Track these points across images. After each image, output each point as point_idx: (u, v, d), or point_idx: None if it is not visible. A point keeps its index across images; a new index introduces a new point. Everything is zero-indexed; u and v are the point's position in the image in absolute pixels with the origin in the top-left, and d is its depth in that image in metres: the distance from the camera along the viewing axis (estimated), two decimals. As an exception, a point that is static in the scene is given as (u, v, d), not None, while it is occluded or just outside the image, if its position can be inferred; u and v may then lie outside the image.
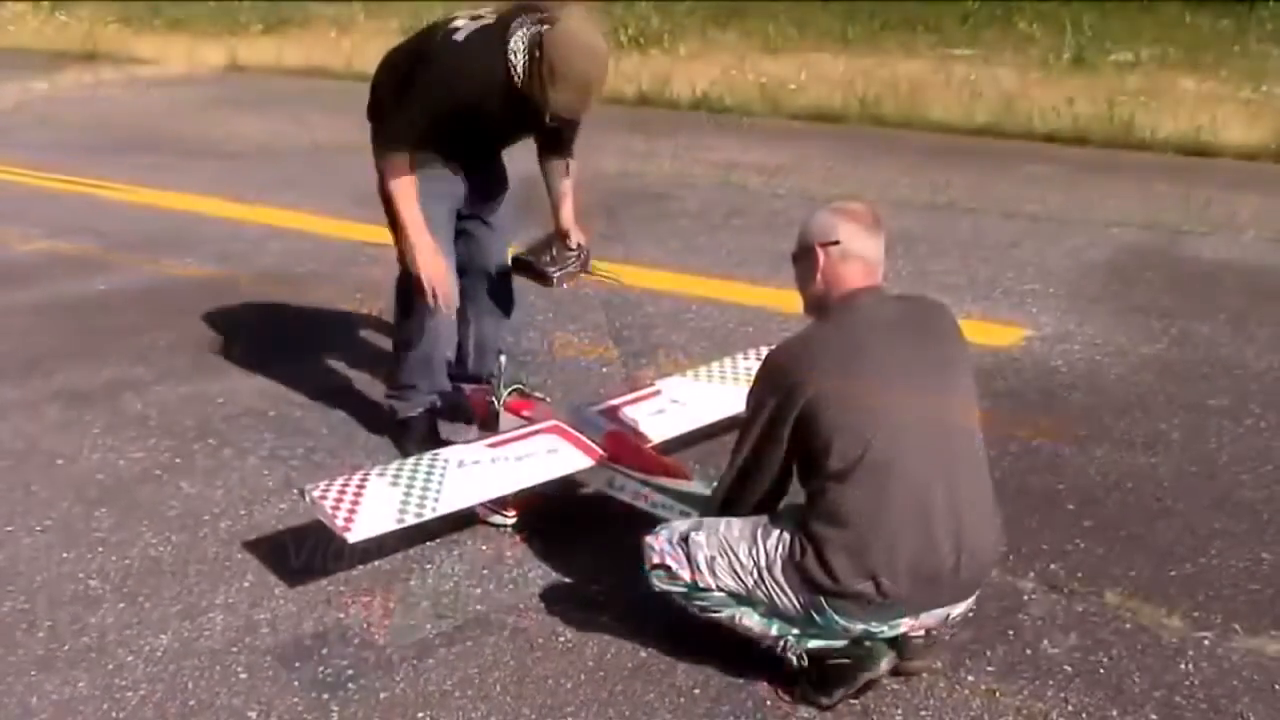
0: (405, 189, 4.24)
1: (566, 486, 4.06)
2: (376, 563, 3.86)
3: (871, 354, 3.07)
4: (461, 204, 4.55)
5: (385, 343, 5.67)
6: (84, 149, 10.85)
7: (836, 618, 3.01)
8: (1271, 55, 12.63)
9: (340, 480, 3.77)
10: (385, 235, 4.51)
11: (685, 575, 3.15)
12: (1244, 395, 5.05)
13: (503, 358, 4.53)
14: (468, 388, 4.85)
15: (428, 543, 3.97)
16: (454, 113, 4.17)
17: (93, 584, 3.80)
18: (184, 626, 3.55)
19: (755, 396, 3.15)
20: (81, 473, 4.56)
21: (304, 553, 3.86)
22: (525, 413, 4.30)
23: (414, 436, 4.65)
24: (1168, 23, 14.33)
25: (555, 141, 4.53)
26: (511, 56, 4.07)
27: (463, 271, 4.65)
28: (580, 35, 4.01)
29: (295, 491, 4.15)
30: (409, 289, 4.47)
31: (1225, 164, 9.51)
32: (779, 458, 3.09)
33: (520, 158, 4.66)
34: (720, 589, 3.12)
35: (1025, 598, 3.62)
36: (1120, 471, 4.41)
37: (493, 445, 4.03)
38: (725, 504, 3.25)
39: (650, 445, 4.12)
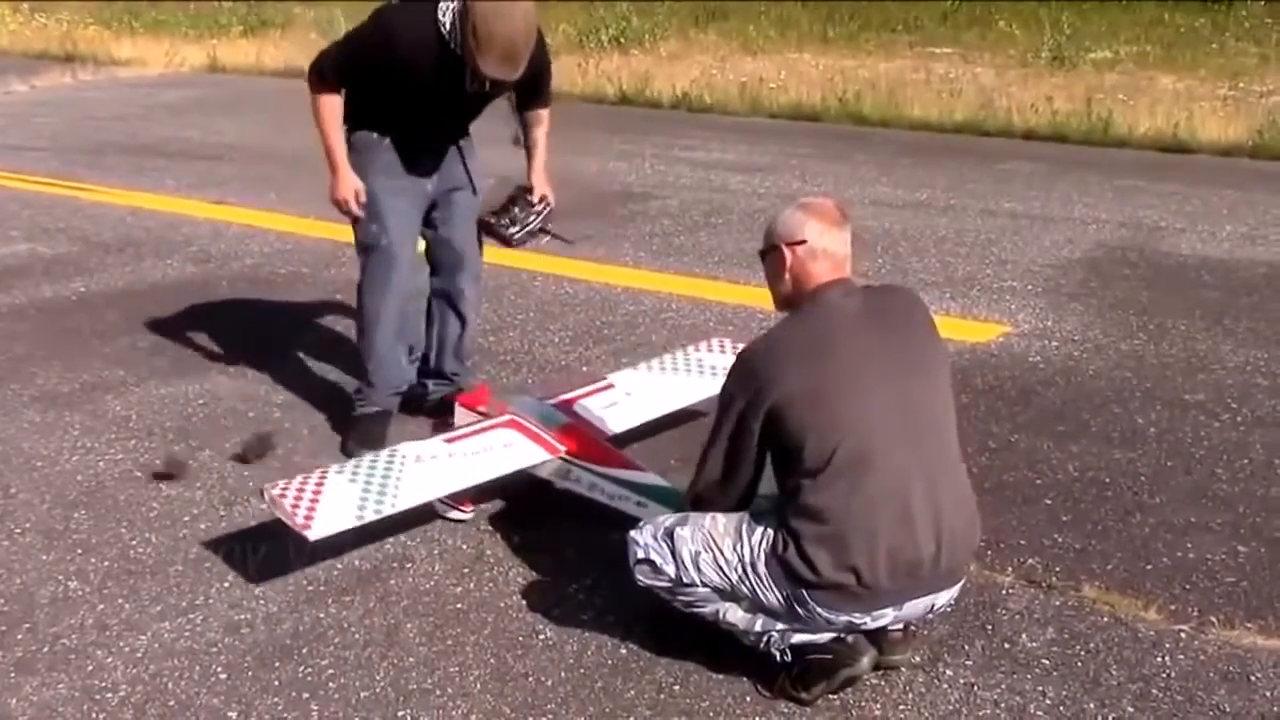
0: (324, 107, 4.39)
1: (543, 484, 4.08)
2: (357, 562, 3.87)
3: (840, 350, 3.08)
4: (428, 200, 4.65)
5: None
6: (63, 150, 10.83)
7: (819, 610, 3.02)
8: (1248, 53, 12.74)
9: (299, 478, 3.78)
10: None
11: (670, 570, 3.16)
12: (1220, 390, 5.08)
13: (468, 362, 4.59)
14: (431, 383, 4.96)
15: (408, 541, 3.98)
16: (391, 75, 4.26)
17: (72, 585, 3.79)
18: (164, 627, 3.55)
19: (725, 396, 3.17)
20: (61, 475, 4.55)
21: (283, 552, 3.86)
22: (480, 408, 4.32)
23: (355, 434, 4.73)
24: (1146, 21, 14.43)
25: (530, 91, 4.58)
26: (441, 17, 4.16)
27: (434, 271, 4.81)
28: None
29: (258, 492, 4.14)
30: (361, 280, 4.68)
31: (1202, 160, 9.58)
32: (750, 457, 3.11)
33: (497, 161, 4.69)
34: (705, 584, 3.13)
35: (1003, 592, 3.64)
36: (1098, 466, 4.44)
37: (449, 440, 4.05)
38: (697, 501, 3.26)
39: (605, 438, 4.16)
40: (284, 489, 3.71)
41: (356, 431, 4.74)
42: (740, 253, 7.06)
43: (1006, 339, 5.71)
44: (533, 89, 4.54)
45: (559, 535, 3.98)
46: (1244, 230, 7.38)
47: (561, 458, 4.00)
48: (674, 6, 17.08)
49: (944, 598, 3.16)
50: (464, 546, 3.97)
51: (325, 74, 4.38)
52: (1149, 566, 3.77)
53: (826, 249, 3.18)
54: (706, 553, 3.12)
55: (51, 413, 5.11)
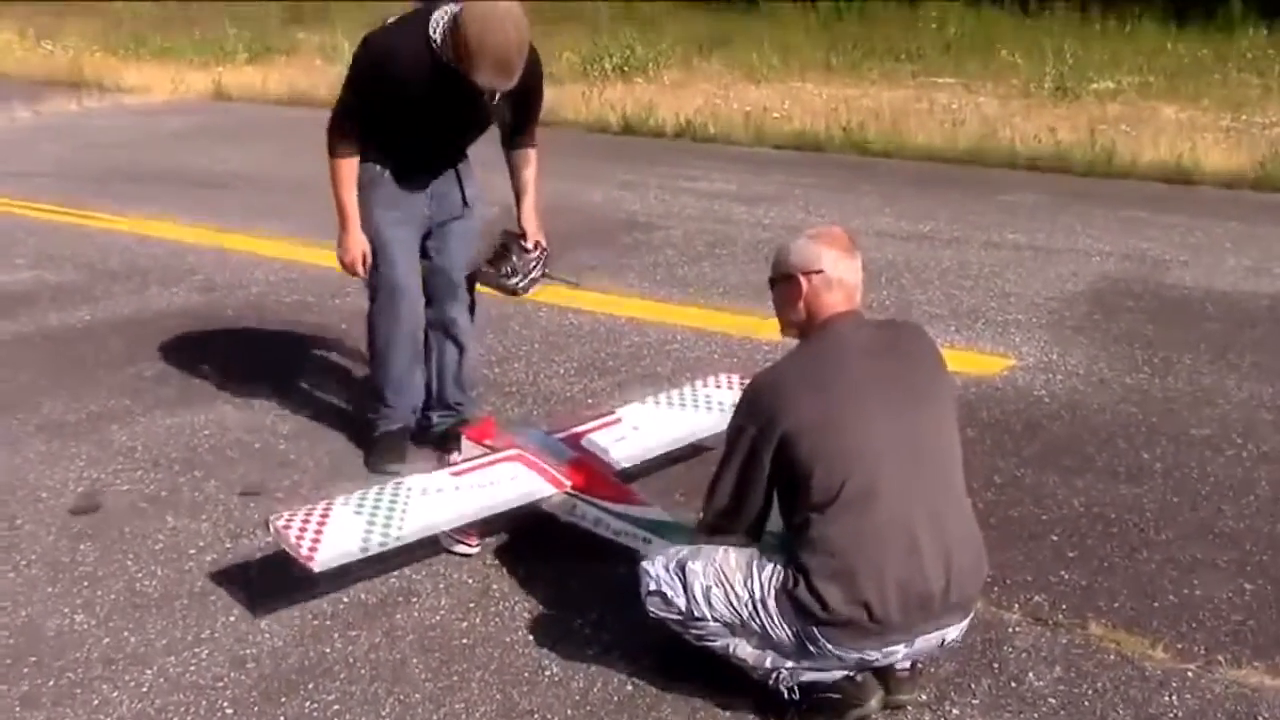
0: (341, 171, 4.48)
1: (550, 518, 4.08)
2: (362, 596, 3.86)
3: (849, 381, 3.10)
4: (425, 226, 4.69)
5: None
6: (69, 177, 10.85)
7: (830, 646, 3.02)
8: (1251, 84, 12.74)
9: (304, 510, 3.80)
10: (371, 265, 4.60)
11: (680, 603, 3.16)
12: (1226, 425, 5.07)
13: (473, 393, 4.69)
14: (436, 414, 4.98)
15: (413, 575, 3.98)
16: (387, 94, 4.32)
17: (78, 619, 3.79)
18: (170, 661, 3.54)
19: (735, 426, 3.18)
20: (67, 506, 4.55)
21: (288, 586, 3.85)
22: (487, 441, 4.33)
23: (379, 451, 4.81)
24: (1148, 51, 14.45)
25: (516, 128, 4.64)
26: (433, 32, 4.22)
27: (428, 301, 4.81)
28: (493, 6, 4.11)
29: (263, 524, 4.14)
30: (371, 309, 4.74)
31: (1206, 192, 9.58)
32: (760, 488, 3.12)
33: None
34: (716, 619, 3.13)
35: (1010, 630, 3.63)
36: (1104, 502, 4.43)
37: (456, 474, 4.06)
38: (708, 532, 3.26)
39: (612, 472, 4.16)
40: (289, 520, 3.73)
41: (380, 447, 4.82)
42: (745, 284, 7.07)
43: (1011, 372, 5.71)
44: (524, 109, 4.57)
45: (565, 569, 3.98)
46: (1248, 263, 7.38)
47: (567, 492, 4.00)
48: (677, 34, 17.13)
49: (954, 632, 3.16)
50: (470, 581, 3.97)
51: (340, 129, 4.44)
52: (1155, 604, 3.77)
53: (842, 279, 3.22)
54: (718, 588, 3.12)
55: (57, 442, 5.11)
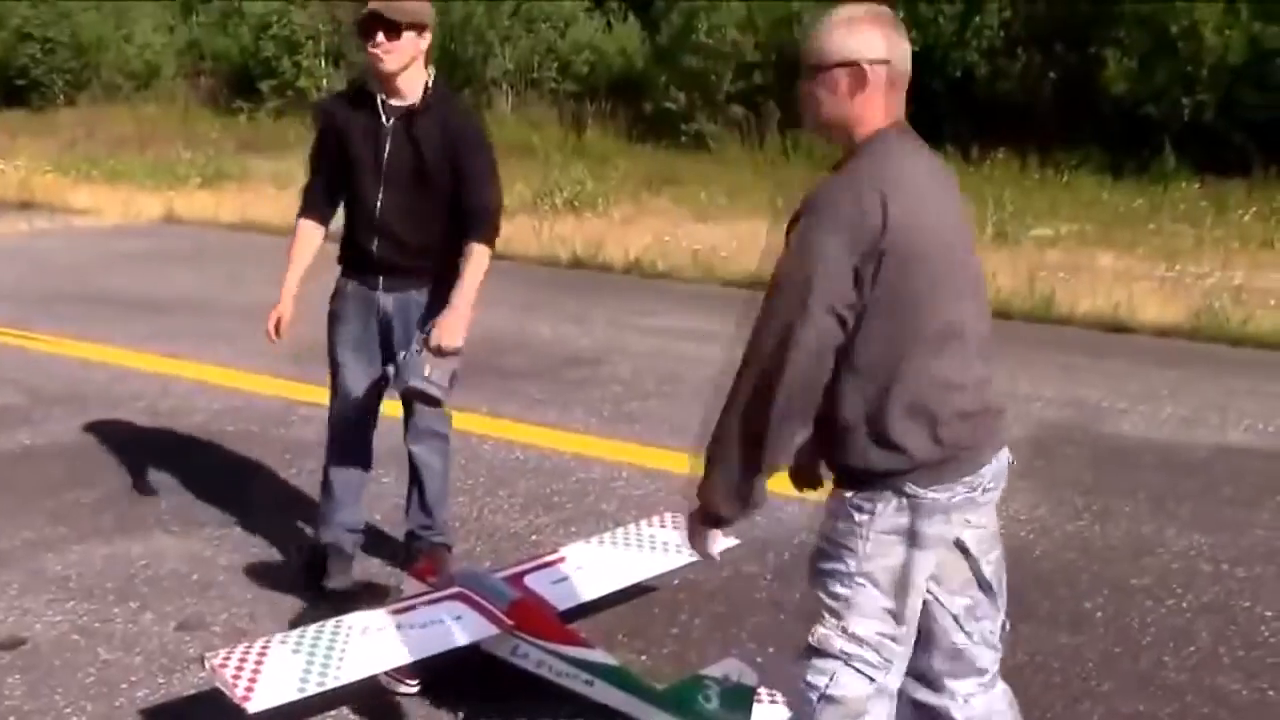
0: (294, 233, 4.75)
1: (491, 658, 4.03)
2: (298, 737, 3.79)
3: (933, 202, 2.75)
4: (382, 350, 4.66)
5: (313, 505, 5.64)
6: (16, 299, 10.75)
7: (929, 493, 2.76)
8: (1185, 234, 13.07)
9: (241, 648, 3.75)
10: (317, 395, 4.57)
11: (841, 673, 2.81)
12: (1165, 574, 5.12)
13: (442, 525, 4.80)
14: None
15: (351, 715, 3.92)
16: (335, 154, 4.61)
17: (2, 756, 3.69)
18: (96, 803, 3.46)
19: (810, 251, 2.66)
20: (-4, 637, 4.46)
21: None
22: (431, 579, 4.30)
23: (302, 566, 4.92)
24: (1085, 201, 14.82)
25: (460, 209, 4.41)
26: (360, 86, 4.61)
27: (406, 426, 4.82)
28: None
29: (198, 660, 4.07)
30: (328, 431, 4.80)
31: (1143, 340, 9.75)
32: (847, 327, 2.67)
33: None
34: (868, 632, 2.80)
35: (953, 781, 3.60)
36: (1045, 651, 4.44)
37: (396, 612, 4.02)
38: (753, 419, 2.78)
39: (554, 612, 4.14)
40: (225, 658, 3.66)
41: (322, 559, 4.83)
42: (692, 421, 7.04)
43: (954, 517, 5.73)
44: (461, 173, 4.41)
45: (506, 710, 3.94)
46: (1184, 413, 7.50)
47: (510, 632, 3.97)
48: (628, 169, 17.38)
49: (1006, 452, 2.98)
50: (408, 723, 3.91)
51: (304, 193, 4.75)
52: (1098, 756, 3.77)
53: (904, 76, 2.74)
54: (837, 603, 2.81)
55: (-11, 571, 5.02)
